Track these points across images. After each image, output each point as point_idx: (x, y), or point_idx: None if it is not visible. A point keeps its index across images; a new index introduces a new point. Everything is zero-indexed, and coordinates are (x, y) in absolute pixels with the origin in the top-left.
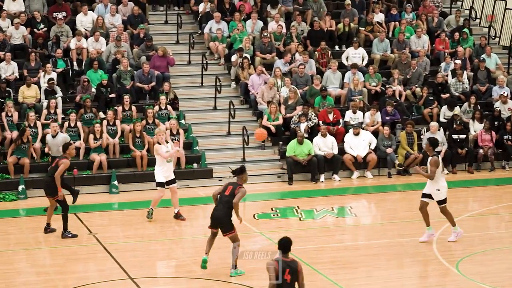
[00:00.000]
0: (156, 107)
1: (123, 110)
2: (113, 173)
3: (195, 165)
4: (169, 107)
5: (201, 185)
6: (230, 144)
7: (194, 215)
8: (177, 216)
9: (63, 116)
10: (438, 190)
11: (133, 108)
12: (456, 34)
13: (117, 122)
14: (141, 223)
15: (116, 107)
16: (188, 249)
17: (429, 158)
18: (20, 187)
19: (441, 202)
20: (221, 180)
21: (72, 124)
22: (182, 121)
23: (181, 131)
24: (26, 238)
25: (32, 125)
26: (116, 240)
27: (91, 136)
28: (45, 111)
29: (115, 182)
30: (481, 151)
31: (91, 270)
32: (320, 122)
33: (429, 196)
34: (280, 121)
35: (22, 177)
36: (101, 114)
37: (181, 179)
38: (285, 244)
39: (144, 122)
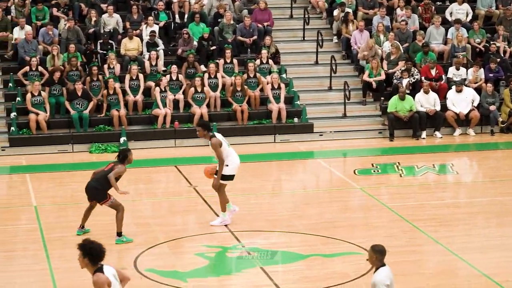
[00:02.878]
0: (258, 61)
1: (225, 63)
2: (213, 126)
3: (295, 119)
4: (270, 61)
5: (302, 140)
6: (331, 99)
7: (294, 169)
8: None
9: (164, 69)
10: (227, 165)
11: (235, 61)
12: None
13: (219, 75)
14: (242, 177)
15: (217, 60)
16: (288, 204)
17: (209, 143)
18: (122, 139)
19: (225, 177)
20: (321, 135)
21: (174, 78)
22: (283, 76)
23: (282, 85)
24: (127, 190)
25: (134, 78)
26: (215, 193)
27: (192, 89)
28: (147, 64)
29: None
30: None
31: (191, 222)
32: (423, 78)
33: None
34: (382, 77)
35: (124, 129)
36: (202, 67)
37: (281, 134)
38: None
39: (245, 76)
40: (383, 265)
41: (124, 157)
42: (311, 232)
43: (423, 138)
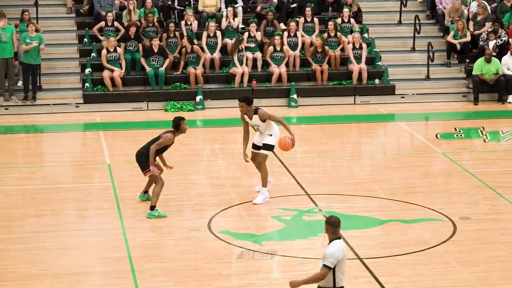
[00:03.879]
0: (339, 20)
1: (305, 22)
2: (292, 86)
3: (377, 80)
4: (352, 20)
5: (383, 102)
6: (414, 60)
7: (374, 132)
8: None
9: (243, 27)
10: (271, 135)
11: (315, 20)
12: None
13: (298, 34)
14: (319, 139)
15: (297, 19)
16: (367, 167)
17: (256, 117)
18: (198, 98)
19: (270, 147)
20: (403, 97)
21: (252, 35)
22: (365, 35)
23: (364, 45)
24: (203, 150)
25: (211, 35)
26: (293, 155)
27: (271, 48)
28: (224, 20)
29: (294, 96)
30: None
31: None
32: (510, 40)
33: (260, 147)
34: (468, 38)
35: (200, 87)
36: (282, 26)
37: (362, 95)
38: None
39: (325, 35)
40: (338, 238)
41: (176, 125)
42: (390, 197)
43: (509, 102)
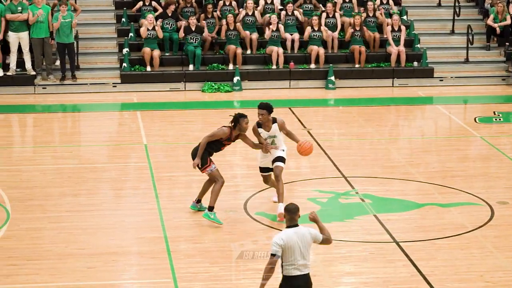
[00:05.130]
0: (378, 1)
1: (343, 2)
2: (330, 68)
3: (415, 63)
4: (391, 2)
5: (421, 85)
6: (453, 43)
7: (412, 115)
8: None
9: (281, 7)
10: (283, 150)
11: (354, 0)
12: None
13: (337, 15)
14: (356, 121)
15: (335, 0)
16: (404, 150)
17: (275, 126)
18: (236, 79)
19: (285, 160)
20: (442, 80)
21: (289, 13)
22: (404, 17)
23: (402, 27)
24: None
25: (250, 14)
26: (330, 137)
27: (308, 28)
28: (261, 1)
29: (332, 78)
30: None
31: (304, 166)
32: None
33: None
34: (508, 21)
35: (238, 68)
36: (321, 7)
37: (400, 78)
38: None
39: (364, 15)
40: (293, 225)
41: (235, 120)
42: (427, 180)
43: None
